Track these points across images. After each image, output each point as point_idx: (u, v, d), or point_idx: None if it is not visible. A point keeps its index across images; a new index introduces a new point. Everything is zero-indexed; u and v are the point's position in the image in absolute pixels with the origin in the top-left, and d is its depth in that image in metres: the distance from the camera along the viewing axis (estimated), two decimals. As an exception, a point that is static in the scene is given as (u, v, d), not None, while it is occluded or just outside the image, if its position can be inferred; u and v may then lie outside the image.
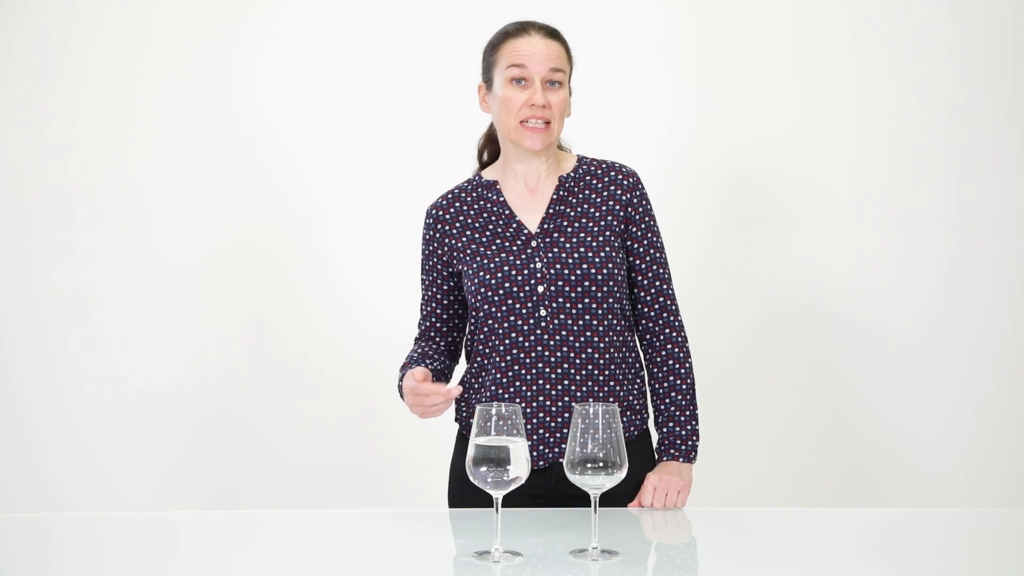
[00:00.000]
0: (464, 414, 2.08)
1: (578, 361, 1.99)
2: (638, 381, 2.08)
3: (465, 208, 2.08)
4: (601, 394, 2.00)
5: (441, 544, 1.77)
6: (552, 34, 2.03)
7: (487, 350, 2.02)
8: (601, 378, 2.00)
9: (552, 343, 1.98)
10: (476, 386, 2.05)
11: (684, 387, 2.06)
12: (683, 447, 2.04)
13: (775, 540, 1.76)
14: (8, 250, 3.13)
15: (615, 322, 2.02)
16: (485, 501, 1.80)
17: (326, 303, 3.12)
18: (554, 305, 1.98)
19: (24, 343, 3.13)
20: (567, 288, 1.98)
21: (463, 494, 2.01)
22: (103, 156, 3.12)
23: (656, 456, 2.06)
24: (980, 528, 1.91)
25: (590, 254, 1.99)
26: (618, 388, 2.02)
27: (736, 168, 3.07)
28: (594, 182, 2.07)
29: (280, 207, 3.11)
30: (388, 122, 3.11)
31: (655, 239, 2.08)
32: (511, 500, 1.63)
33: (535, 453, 1.98)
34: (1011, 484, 3.03)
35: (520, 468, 1.56)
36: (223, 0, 3.12)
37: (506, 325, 1.99)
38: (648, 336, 2.09)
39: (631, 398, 2.04)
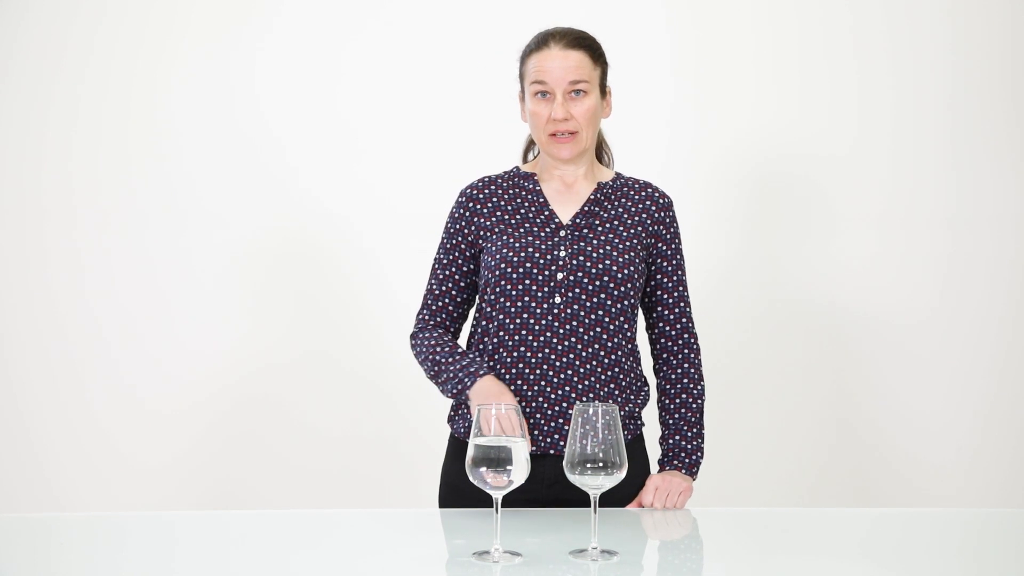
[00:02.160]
0: (460, 409, 2.08)
1: (584, 354, 2.00)
2: (642, 394, 2.09)
3: (500, 192, 2.10)
4: (602, 393, 2.01)
5: (440, 544, 1.78)
6: (573, 43, 2.02)
7: (495, 328, 2.02)
8: (604, 377, 2.01)
9: (562, 331, 1.99)
10: None
11: (695, 406, 2.09)
12: (687, 460, 2.06)
13: (775, 540, 1.77)
14: (8, 250, 3.13)
15: (625, 325, 2.03)
16: (476, 507, 1.81)
17: (328, 305, 3.12)
18: (570, 295, 2.00)
19: (25, 343, 3.13)
20: (586, 280, 2.00)
21: (454, 499, 2.02)
22: (103, 156, 3.13)
23: (659, 467, 2.08)
24: (978, 528, 1.91)
25: (615, 253, 2.02)
26: (617, 392, 2.03)
27: (736, 169, 3.08)
28: (631, 194, 2.11)
29: (282, 208, 3.11)
30: (390, 121, 3.11)
31: (682, 262, 2.13)
32: (505, 502, 1.63)
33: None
34: (1011, 484, 3.04)
35: (520, 468, 1.56)
36: (223, 0, 3.12)
37: (519, 305, 2.00)
38: (665, 355, 2.12)
39: (630, 405, 2.05)
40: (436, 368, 2.04)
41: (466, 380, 1.97)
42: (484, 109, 2.98)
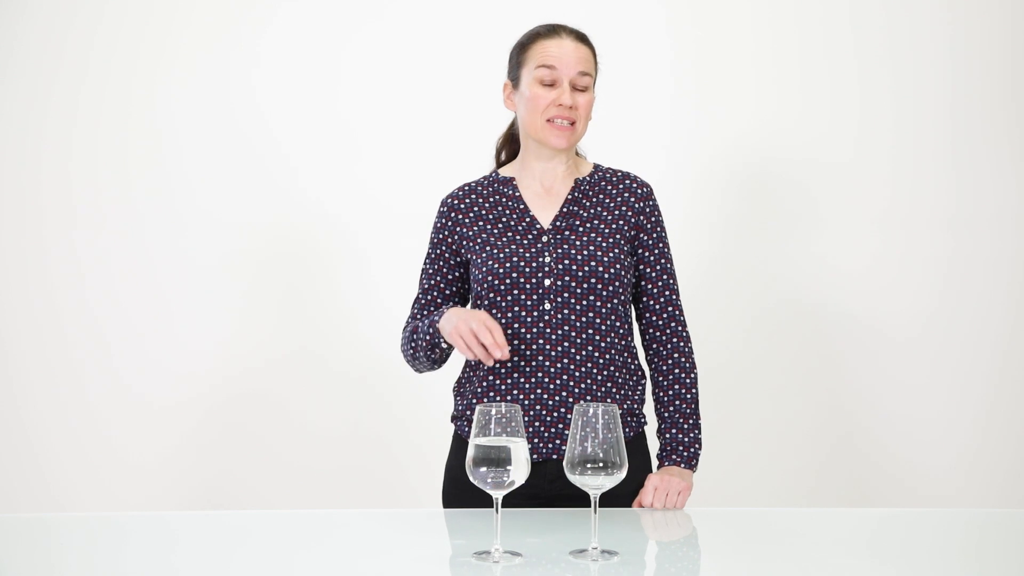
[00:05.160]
0: (461, 407, 2.08)
1: (578, 358, 2.00)
2: (639, 388, 2.09)
3: (480, 200, 2.11)
4: (599, 393, 2.01)
5: (440, 544, 1.78)
6: (582, 38, 2.06)
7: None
8: (600, 377, 2.01)
9: (554, 337, 2.00)
10: (474, 377, 2.06)
11: (689, 396, 2.08)
12: (685, 453, 2.06)
13: (775, 540, 1.77)
14: (8, 250, 3.13)
15: (617, 324, 2.04)
16: (479, 501, 1.81)
17: (328, 304, 3.12)
18: (559, 300, 2.00)
19: (24, 343, 3.13)
20: (573, 284, 2.00)
21: (457, 493, 2.02)
22: (103, 156, 3.13)
23: (658, 462, 2.08)
24: (979, 528, 1.91)
25: (599, 253, 2.02)
26: (615, 390, 2.03)
27: (737, 169, 3.08)
28: (609, 188, 2.10)
29: (281, 208, 3.11)
30: (389, 121, 3.11)
31: (665, 250, 2.11)
32: (506, 500, 1.64)
33: (529, 447, 1.98)
34: (1011, 484, 3.04)
35: (520, 468, 1.56)
36: (223, 0, 3.12)
37: (509, 315, 2.01)
38: (655, 345, 2.11)
39: (628, 402, 2.05)
40: (414, 337, 2.06)
41: (435, 318, 2.00)
42: (481, 111, 2.97)
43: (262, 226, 3.12)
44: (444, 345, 2.02)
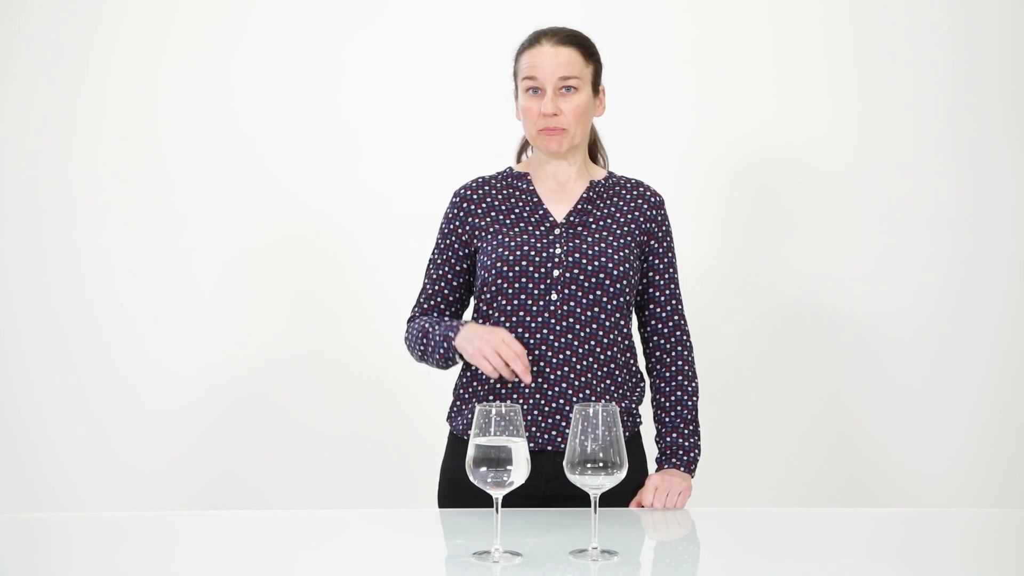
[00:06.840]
0: (458, 405, 2.08)
1: (581, 351, 2.01)
2: (638, 389, 2.10)
3: (494, 192, 2.12)
4: (599, 389, 2.02)
5: (440, 544, 1.78)
6: (564, 40, 2.05)
7: (492, 326, 2.03)
8: (600, 373, 2.02)
9: (558, 328, 2.00)
10: (476, 368, 2.05)
11: (690, 404, 2.10)
12: (684, 458, 2.07)
13: (774, 540, 1.77)
14: (8, 250, 3.13)
15: (621, 322, 2.05)
16: (474, 503, 1.81)
17: (328, 304, 3.12)
18: (566, 291, 2.01)
19: (24, 343, 3.13)
20: (582, 277, 2.01)
21: (453, 495, 2.02)
22: (103, 156, 3.13)
23: (657, 466, 2.09)
24: (978, 528, 1.91)
25: (610, 250, 2.03)
26: (613, 388, 2.03)
27: (737, 170, 3.08)
28: (623, 192, 2.13)
29: (282, 208, 3.11)
30: (391, 120, 3.11)
31: (673, 260, 2.14)
32: (503, 501, 1.63)
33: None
34: (1010, 484, 3.04)
35: (520, 468, 1.56)
36: (223, 0, 3.12)
37: (516, 303, 2.02)
38: (658, 353, 2.13)
39: (626, 401, 2.06)
40: (424, 341, 2.06)
41: (449, 333, 2.00)
42: (484, 110, 2.98)
43: (263, 226, 3.12)
44: (459, 361, 2.03)
